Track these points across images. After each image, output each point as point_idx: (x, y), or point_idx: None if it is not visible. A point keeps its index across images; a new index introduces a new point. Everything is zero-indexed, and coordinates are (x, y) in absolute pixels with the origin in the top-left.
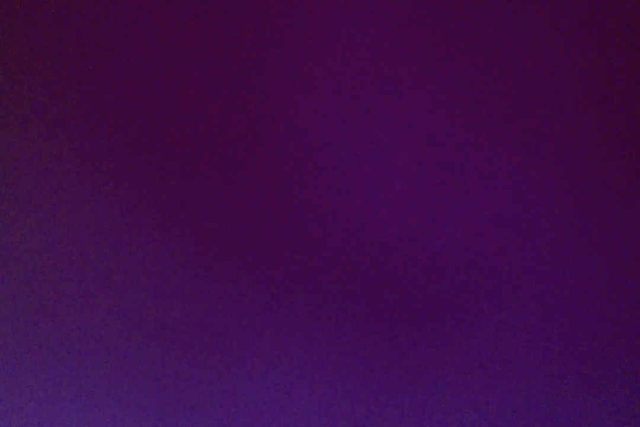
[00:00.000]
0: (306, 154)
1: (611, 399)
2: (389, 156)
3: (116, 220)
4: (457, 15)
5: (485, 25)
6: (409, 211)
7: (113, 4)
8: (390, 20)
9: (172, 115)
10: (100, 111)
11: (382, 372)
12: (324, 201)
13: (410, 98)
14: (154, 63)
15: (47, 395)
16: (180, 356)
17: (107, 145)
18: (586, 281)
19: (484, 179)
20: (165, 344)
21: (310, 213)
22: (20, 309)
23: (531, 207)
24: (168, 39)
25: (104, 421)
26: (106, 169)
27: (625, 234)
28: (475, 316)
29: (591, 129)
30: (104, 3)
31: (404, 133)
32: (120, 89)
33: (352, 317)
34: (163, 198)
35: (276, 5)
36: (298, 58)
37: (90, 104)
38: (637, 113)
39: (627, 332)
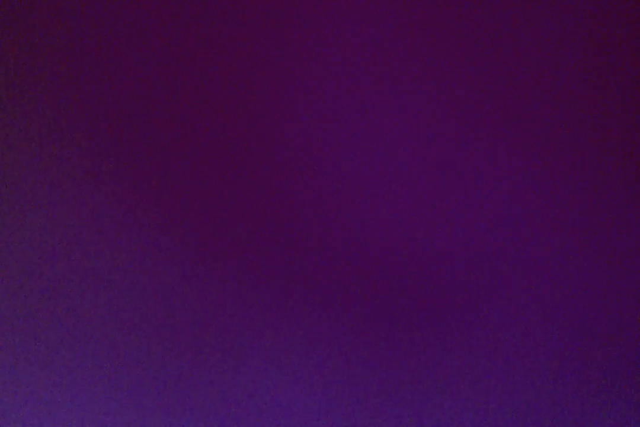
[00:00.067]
0: (306, 154)
1: (611, 399)
2: (389, 156)
3: (116, 220)
4: (457, 15)
5: (486, 25)
6: (410, 211)
7: (113, 3)
8: (391, 20)
9: (172, 115)
10: (100, 110)
11: (382, 372)
12: (325, 201)
13: (411, 98)
14: (154, 63)
15: (47, 395)
16: (181, 356)
17: (106, 144)
18: (587, 280)
19: (484, 178)
20: (166, 344)
21: (311, 213)
22: (20, 309)
23: (532, 207)
24: (168, 39)
25: (104, 421)
26: (106, 168)
27: (626, 233)
28: (476, 316)
29: (591, 128)
30: (104, 3)
31: (404, 133)
32: (120, 88)
33: (352, 317)
34: (163, 198)
35: (276, 5)
36: (298, 57)
37: (90, 104)
38: (637, 113)
39: (628, 331)
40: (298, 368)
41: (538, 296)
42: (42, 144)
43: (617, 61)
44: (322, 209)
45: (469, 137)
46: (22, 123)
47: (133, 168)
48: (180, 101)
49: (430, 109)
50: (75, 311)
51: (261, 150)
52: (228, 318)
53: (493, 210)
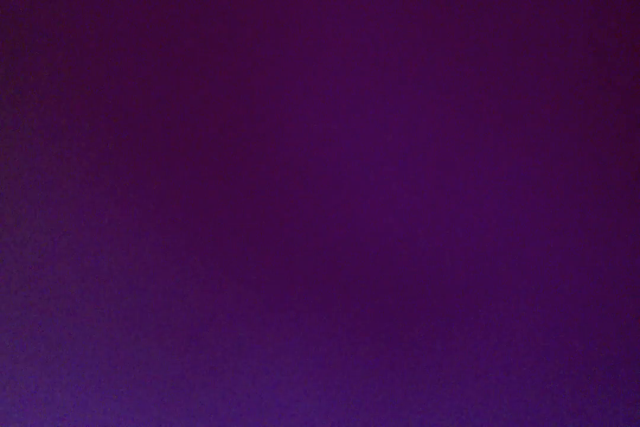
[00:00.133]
0: (306, 154)
1: (611, 399)
2: (389, 156)
3: (116, 219)
4: (458, 15)
5: (486, 25)
6: (410, 211)
7: (113, 3)
8: (391, 20)
9: (172, 115)
10: (100, 110)
11: (382, 372)
12: (325, 201)
13: (411, 97)
14: (154, 62)
15: (47, 395)
16: (181, 356)
17: (106, 144)
18: (587, 280)
19: (484, 178)
20: (165, 343)
21: (311, 213)
22: (20, 309)
23: (532, 207)
24: (168, 39)
25: (104, 421)
26: (105, 167)
27: (626, 233)
28: (476, 316)
29: (592, 128)
30: (104, 3)
31: (404, 133)
32: (120, 88)
33: (352, 317)
34: (163, 198)
35: (277, 5)
36: (298, 57)
37: (90, 103)
38: (637, 113)
39: (628, 332)
40: (297, 368)
41: (538, 296)
42: (42, 143)
43: (617, 61)
44: (322, 209)
45: (469, 137)
46: (22, 123)
47: (133, 168)
48: (181, 101)
49: (430, 109)
50: (75, 310)
51: (261, 150)
52: (228, 318)
53: (493, 211)
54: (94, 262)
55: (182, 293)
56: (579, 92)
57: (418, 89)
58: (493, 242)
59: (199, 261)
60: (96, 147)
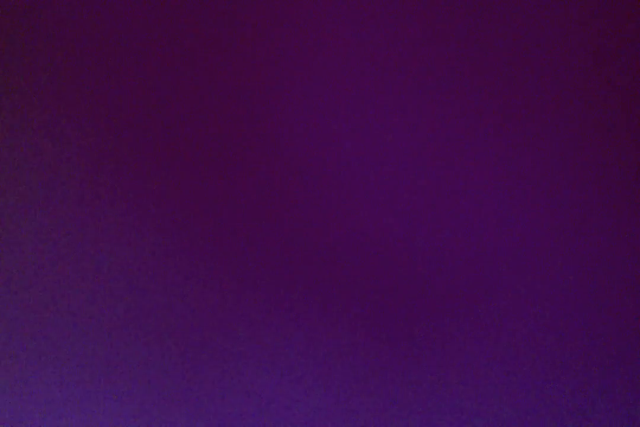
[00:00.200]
0: (307, 154)
1: (612, 398)
2: (389, 155)
3: (116, 219)
4: (458, 15)
5: (485, 25)
6: (410, 211)
7: (113, 3)
8: (391, 20)
9: (172, 114)
10: (100, 110)
11: (382, 372)
12: (326, 201)
13: (411, 97)
14: (155, 62)
15: (47, 395)
16: (181, 357)
17: (106, 143)
18: (587, 280)
19: (485, 178)
20: (165, 344)
21: (312, 213)
22: (20, 309)
23: (532, 207)
24: (168, 39)
25: (104, 421)
26: (105, 167)
27: (626, 233)
28: (477, 316)
29: (592, 128)
30: (104, 2)
31: (404, 133)
32: (120, 87)
33: (352, 317)
34: (163, 198)
35: (277, 5)
36: (298, 57)
37: (90, 103)
38: (637, 113)
39: (628, 332)
40: (297, 369)
41: (538, 296)
42: (42, 143)
43: (617, 61)
44: (323, 209)
45: (470, 137)
46: (22, 123)
47: (133, 167)
48: (181, 101)
49: (430, 109)
50: (75, 310)
51: (261, 149)
52: (228, 318)
53: (493, 210)
54: (93, 262)
55: (182, 293)
56: (579, 92)
57: (418, 89)
58: (493, 242)
59: (199, 261)
60: (96, 146)
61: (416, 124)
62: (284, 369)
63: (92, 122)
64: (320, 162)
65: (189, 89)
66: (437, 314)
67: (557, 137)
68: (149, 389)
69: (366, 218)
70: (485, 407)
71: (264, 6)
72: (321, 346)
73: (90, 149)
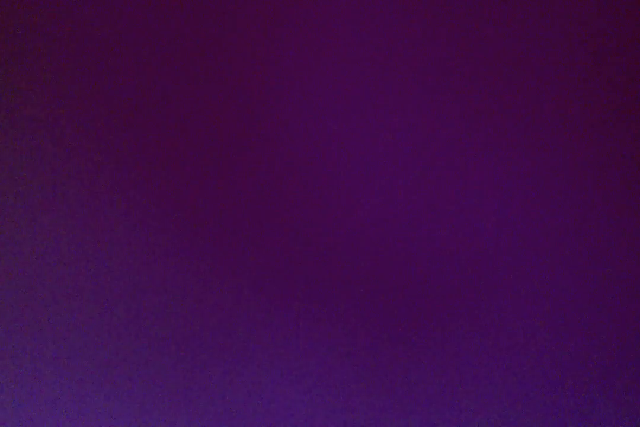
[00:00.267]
0: (307, 154)
1: (612, 399)
2: (389, 155)
3: (116, 219)
4: (458, 15)
5: (485, 25)
6: (410, 211)
7: (113, 3)
8: (392, 20)
9: (172, 114)
10: (100, 110)
11: (384, 371)
12: (326, 200)
13: (411, 97)
14: (155, 62)
15: (47, 395)
16: (182, 357)
17: (106, 143)
18: (587, 280)
19: (485, 178)
20: (167, 344)
21: (313, 212)
22: (20, 309)
23: (533, 208)
24: (168, 39)
25: (105, 421)
26: (105, 166)
27: (626, 234)
28: (477, 316)
29: (592, 128)
30: (104, 2)
31: (405, 132)
32: (119, 87)
33: (353, 317)
34: (163, 197)
35: (277, 5)
36: (298, 56)
37: (90, 103)
38: (637, 113)
39: (628, 332)
40: (298, 368)
41: (538, 296)
42: (42, 143)
43: (617, 61)
44: (323, 209)
45: (470, 137)
46: (22, 123)
47: (133, 167)
48: (181, 101)
49: (430, 109)
50: (75, 310)
51: (261, 149)
52: (229, 318)
53: (494, 211)
54: (94, 262)
55: (182, 293)
56: (579, 92)
57: (419, 89)
58: (493, 242)
59: (200, 261)
60: (96, 146)
61: (416, 124)
62: (285, 369)
63: (91, 122)
64: (321, 162)
65: (189, 89)
66: (437, 314)
67: (557, 137)
68: (149, 388)
69: (367, 218)
70: (486, 407)
71: (264, 6)
72: (322, 346)
73: (90, 149)
